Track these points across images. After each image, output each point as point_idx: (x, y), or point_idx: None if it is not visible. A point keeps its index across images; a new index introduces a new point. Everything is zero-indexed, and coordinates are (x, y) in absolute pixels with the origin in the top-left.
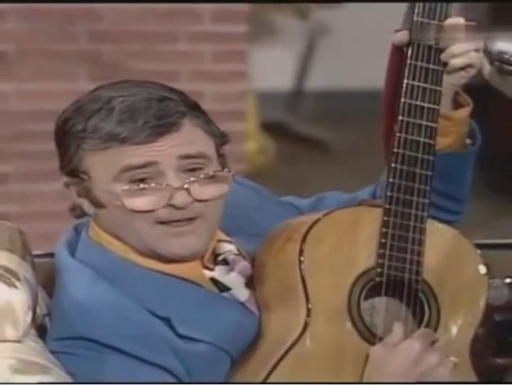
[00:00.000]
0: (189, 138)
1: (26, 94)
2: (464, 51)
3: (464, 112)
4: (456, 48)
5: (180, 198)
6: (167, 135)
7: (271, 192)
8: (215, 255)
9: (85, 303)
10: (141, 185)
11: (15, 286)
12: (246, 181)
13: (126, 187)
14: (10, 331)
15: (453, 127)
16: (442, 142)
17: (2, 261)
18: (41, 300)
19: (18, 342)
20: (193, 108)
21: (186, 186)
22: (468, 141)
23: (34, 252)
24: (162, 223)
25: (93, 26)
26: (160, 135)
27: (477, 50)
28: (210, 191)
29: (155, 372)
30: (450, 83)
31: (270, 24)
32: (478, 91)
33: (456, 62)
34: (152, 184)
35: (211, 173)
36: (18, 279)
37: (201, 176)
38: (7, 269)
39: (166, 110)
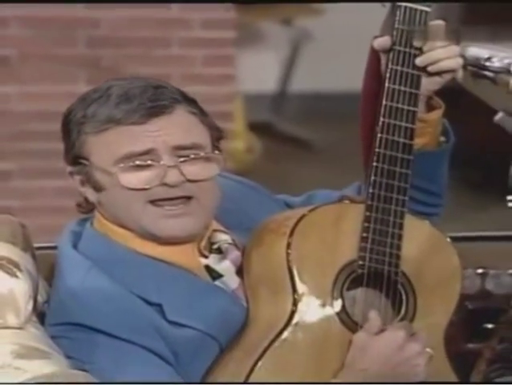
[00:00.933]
0: (184, 126)
1: (28, 96)
2: (442, 58)
3: (437, 114)
4: (433, 54)
5: (172, 176)
6: (160, 116)
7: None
8: (210, 244)
9: (79, 291)
10: (136, 162)
11: (17, 276)
12: (243, 179)
13: (122, 164)
14: (12, 319)
15: (428, 128)
16: (418, 142)
17: (5, 253)
18: (42, 289)
19: (20, 328)
20: (190, 100)
21: (175, 164)
22: (442, 139)
23: (36, 244)
24: (157, 205)
25: (91, 32)
26: (153, 116)
27: (455, 57)
28: (202, 171)
29: (142, 354)
30: (426, 88)
31: (256, 30)
32: (451, 93)
33: (433, 68)
34: (148, 162)
35: (202, 154)
36: (20, 269)
37: (192, 156)
38: (9, 260)
39: (161, 95)
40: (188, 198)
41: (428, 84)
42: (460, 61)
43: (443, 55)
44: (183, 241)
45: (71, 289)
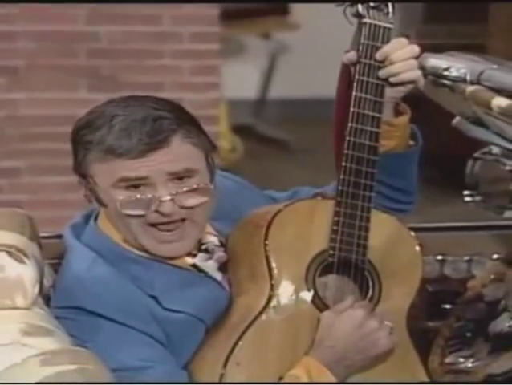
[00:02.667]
0: (178, 154)
1: (35, 102)
2: (401, 71)
3: (403, 119)
4: (394, 68)
5: (166, 207)
6: (157, 150)
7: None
8: (200, 244)
9: (84, 278)
10: (137, 196)
11: (24, 263)
12: (233, 176)
13: (122, 197)
14: (21, 300)
15: (396, 132)
16: (388, 144)
17: (13, 242)
18: (47, 273)
19: (28, 309)
20: (186, 123)
21: (171, 197)
22: (411, 142)
23: (42, 234)
24: (153, 225)
25: (91, 45)
26: (150, 151)
27: (413, 70)
28: (192, 200)
29: (137, 336)
30: (391, 96)
31: (238, 43)
32: (414, 99)
33: (394, 79)
34: (143, 196)
35: (194, 186)
36: (27, 256)
37: (184, 189)
38: (18, 249)
39: (159, 128)
40: (182, 220)
41: (392, 92)
42: (418, 73)
43: (402, 68)
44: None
45: (76, 276)
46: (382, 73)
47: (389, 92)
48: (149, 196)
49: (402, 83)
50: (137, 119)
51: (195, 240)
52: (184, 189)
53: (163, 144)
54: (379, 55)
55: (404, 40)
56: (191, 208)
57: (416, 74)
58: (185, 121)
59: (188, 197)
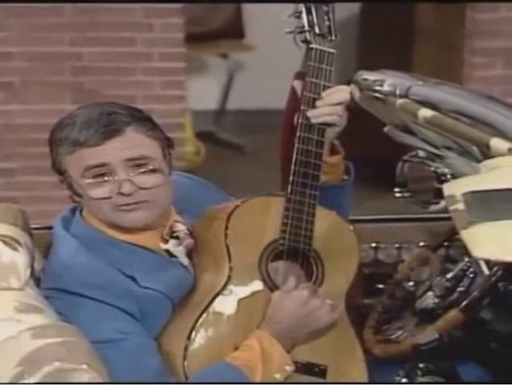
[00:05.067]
0: (133, 142)
1: (28, 112)
2: (324, 114)
3: (337, 158)
4: (316, 111)
5: (126, 187)
6: (113, 138)
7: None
8: (172, 231)
9: (68, 263)
10: (99, 179)
11: (17, 250)
12: (197, 178)
13: (89, 181)
14: (15, 282)
15: (330, 168)
16: (323, 178)
17: (8, 232)
18: (38, 259)
19: (21, 290)
20: (140, 119)
21: (129, 178)
22: (345, 177)
23: (34, 225)
24: (118, 206)
25: (75, 64)
26: (107, 139)
27: (335, 114)
28: (150, 180)
29: (116, 313)
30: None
31: (201, 62)
32: (353, 110)
33: (314, 120)
34: (106, 178)
35: (150, 167)
36: (20, 245)
37: (141, 170)
38: (12, 238)
39: (112, 120)
40: (145, 202)
41: (326, 134)
42: (337, 118)
43: (324, 112)
44: (145, 228)
45: (63, 261)
46: (309, 114)
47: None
48: (110, 178)
49: (322, 124)
50: (95, 114)
51: (156, 215)
52: (142, 170)
53: (118, 133)
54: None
55: (341, 87)
56: (149, 188)
57: (334, 119)
58: (139, 117)
59: (145, 179)
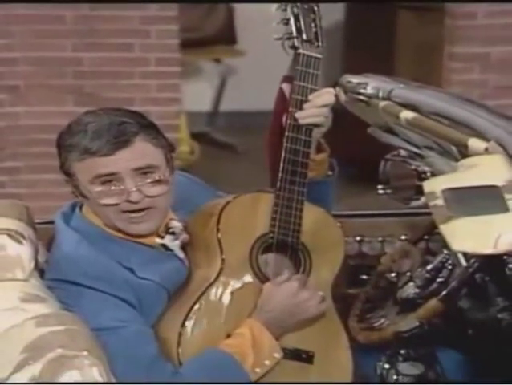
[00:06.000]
0: (141, 152)
1: (32, 114)
2: (309, 115)
3: (322, 156)
4: (301, 114)
5: (134, 196)
6: (122, 149)
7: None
8: (167, 228)
9: (70, 256)
10: (112, 188)
11: (22, 243)
12: (191, 176)
13: (99, 189)
14: (20, 273)
15: (316, 166)
16: (310, 174)
17: (13, 226)
18: (41, 252)
19: (25, 280)
20: (146, 127)
21: (138, 188)
22: (330, 173)
23: (37, 220)
24: (124, 212)
25: (77, 68)
26: (117, 149)
27: (321, 116)
28: (155, 189)
29: (114, 302)
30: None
31: (195, 66)
32: (338, 111)
33: (301, 121)
34: (114, 186)
35: (156, 178)
36: (24, 238)
37: (148, 180)
38: (17, 232)
39: (122, 131)
40: (148, 208)
41: (312, 133)
42: (322, 119)
43: (309, 113)
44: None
45: (65, 254)
46: (297, 115)
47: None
48: (121, 187)
49: (310, 125)
50: (105, 124)
51: (159, 222)
52: (148, 181)
53: (127, 144)
54: (298, 114)
55: (327, 90)
56: (154, 197)
57: (321, 120)
58: (145, 125)
59: (151, 188)
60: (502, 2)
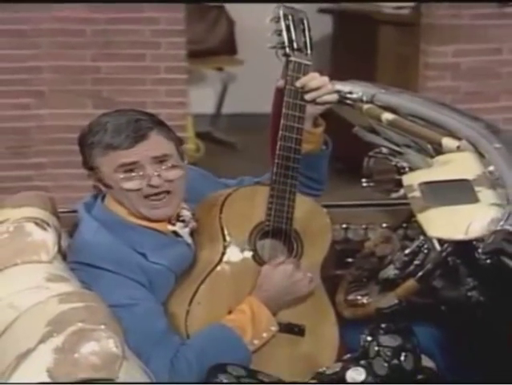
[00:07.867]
0: (157, 144)
1: (55, 116)
2: (324, 93)
3: (319, 130)
4: (319, 92)
5: (155, 180)
6: (141, 142)
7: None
8: (178, 216)
9: (90, 242)
10: (132, 174)
11: (47, 230)
12: (198, 168)
13: (122, 176)
14: (44, 256)
15: (313, 138)
16: (307, 147)
17: (39, 215)
18: (64, 238)
19: (49, 262)
20: (158, 123)
21: (158, 173)
22: (323, 147)
23: (61, 209)
24: (146, 197)
25: (95, 75)
26: (137, 142)
27: (332, 93)
28: (173, 173)
29: (128, 283)
30: (311, 112)
31: (200, 74)
32: (326, 113)
33: (319, 100)
34: (135, 173)
35: (170, 164)
36: (49, 226)
37: (164, 166)
38: (42, 220)
39: (139, 126)
40: (167, 192)
41: (312, 110)
42: (336, 96)
43: (323, 92)
44: (163, 220)
45: (85, 239)
46: (309, 96)
47: (310, 109)
48: (141, 173)
49: (324, 103)
50: (123, 122)
51: (176, 208)
52: (165, 166)
53: (144, 137)
54: (299, 83)
55: (316, 74)
56: (172, 181)
57: (334, 97)
58: (157, 121)
59: (169, 172)
60: (486, 2)
